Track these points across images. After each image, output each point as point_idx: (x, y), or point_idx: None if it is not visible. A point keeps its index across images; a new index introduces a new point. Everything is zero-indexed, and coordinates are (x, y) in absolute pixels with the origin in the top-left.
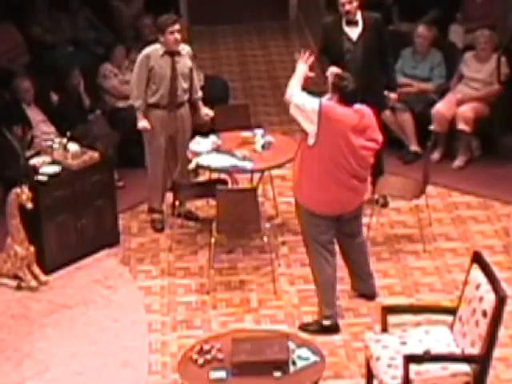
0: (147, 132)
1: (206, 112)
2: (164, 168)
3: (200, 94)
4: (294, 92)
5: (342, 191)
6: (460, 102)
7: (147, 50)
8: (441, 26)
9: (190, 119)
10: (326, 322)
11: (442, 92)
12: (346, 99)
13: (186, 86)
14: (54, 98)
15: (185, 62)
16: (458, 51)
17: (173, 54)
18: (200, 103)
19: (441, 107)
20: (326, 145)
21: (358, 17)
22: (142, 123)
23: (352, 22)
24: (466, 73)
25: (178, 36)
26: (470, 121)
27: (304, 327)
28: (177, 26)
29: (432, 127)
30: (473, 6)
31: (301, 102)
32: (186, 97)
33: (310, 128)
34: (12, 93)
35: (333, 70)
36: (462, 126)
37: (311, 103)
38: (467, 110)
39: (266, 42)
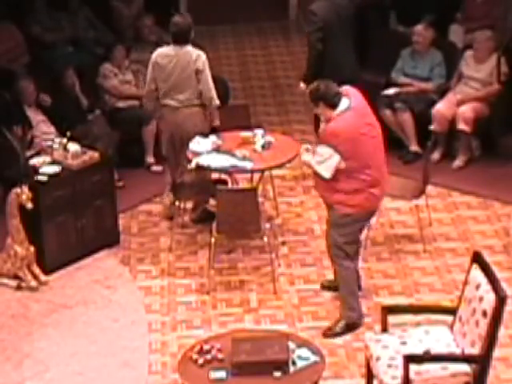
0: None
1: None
2: (170, 161)
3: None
4: (324, 174)
5: (385, 180)
6: (460, 102)
7: (156, 53)
8: (440, 27)
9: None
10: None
11: (442, 92)
12: (332, 102)
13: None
14: (46, 99)
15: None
16: (457, 51)
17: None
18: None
19: (441, 107)
20: (356, 156)
21: None
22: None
23: None
24: (465, 72)
25: None
26: (470, 121)
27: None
28: None
29: (432, 127)
30: (473, 5)
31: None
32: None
33: (336, 162)
34: (13, 93)
35: (301, 87)
36: (462, 125)
37: (334, 159)
38: (467, 110)
39: (266, 42)
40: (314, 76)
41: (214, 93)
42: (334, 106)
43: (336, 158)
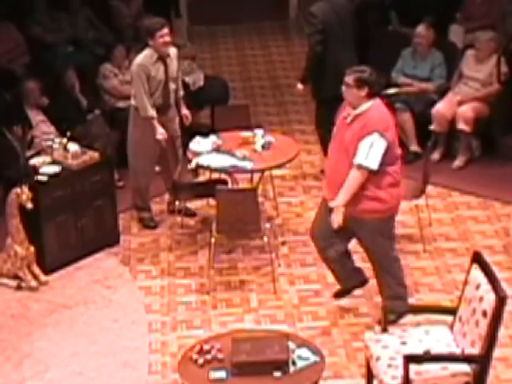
0: (140, 137)
1: (186, 114)
2: (151, 170)
3: (182, 92)
4: (372, 165)
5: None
6: (460, 102)
7: (139, 59)
8: (440, 27)
9: (178, 119)
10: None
11: (442, 92)
12: (376, 91)
13: (174, 87)
14: (44, 101)
15: (174, 64)
16: (457, 51)
17: (164, 58)
18: (182, 102)
19: (441, 107)
20: (394, 146)
21: None
22: (161, 131)
23: None
24: (465, 72)
25: (167, 39)
26: (470, 121)
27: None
28: (166, 30)
29: (432, 127)
30: (473, 5)
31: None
32: (174, 98)
33: (384, 148)
34: (13, 93)
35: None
36: (462, 125)
37: (382, 145)
38: (467, 110)
39: (266, 42)
40: (313, 77)
41: (140, 105)
42: (375, 95)
43: (383, 143)
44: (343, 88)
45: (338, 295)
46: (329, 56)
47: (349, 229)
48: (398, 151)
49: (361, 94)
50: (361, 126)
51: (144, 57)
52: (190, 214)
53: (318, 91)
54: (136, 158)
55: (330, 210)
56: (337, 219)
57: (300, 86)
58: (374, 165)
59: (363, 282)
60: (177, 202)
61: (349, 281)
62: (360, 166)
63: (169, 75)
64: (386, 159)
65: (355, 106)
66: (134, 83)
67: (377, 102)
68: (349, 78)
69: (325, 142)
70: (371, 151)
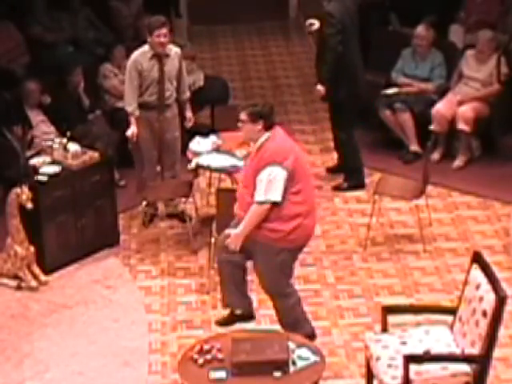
0: (134, 137)
1: (190, 117)
2: (154, 170)
3: (188, 94)
4: (276, 198)
5: (315, 208)
6: (460, 102)
7: (135, 54)
8: (440, 27)
9: (177, 119)
10: None
11: (441, 92)
12: (271, 122)
13: (173, 87)
14: (47, 99)
15: (173, 64)
16: (457, 51)
17: (160, 56)
18: (187, 105)
19: (441, 107)
20: (298, 175)
21: None
22: (132, 129)
23: None
24: (465, 72)
25: (163, 40)
26: (470, 121)
27: None
28: (164, 30)
29: (432, 127)
30: (473, 5)
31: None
32: (173, 98)
33: (285, 179)
34: (13, 93)
35: (319, 89)
36: (462, 125)
37: (281, 176)
38: (467, 110)
39: (266, 42)
40: (331, 79)
41: (124, 97)
42: (271, 126)
43: (282, 174)
44: (239, 125)
45: (221, 322)
46: (346, 57)
47: (247, 249)
48: (308, 181)
49: (257, 128)
50: (258, 159)
51: (139, 53)
52: (182, 219)
53: (336, 93)
54: (137, 150)
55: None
56: (233, 247)
57: (320, 88)
58: (275, 197)
59: (249, 315)
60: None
61: (237, 302)
62: (260, 202)
63: (165, 74)
64: (290, 189)
65: (254, 141)
66: (125, 77)
67: (274, 133)
68: (242, 115)
69: (344, 145)
70: (270, 184)
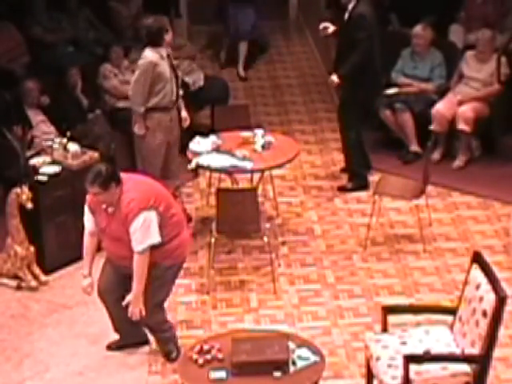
0: (144, 136)
1: (185, 117)
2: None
3: (181, 92)
4: (155, 240)
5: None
6: (460, 102)
7: (152, 56)
8: (440, 27)
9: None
10: None
11: (442, 92)
12: (118, 175)
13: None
14: (46, 100)
15: (174, 64)
16: (457, 51)
17: (169, 55)
18: (182, 105)
19: (441, 107)
20: (164, 205)
21: None
22: (142, 128)
23: None
24: (466, 72)
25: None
26: (470, 121)
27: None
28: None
29: (432, 127)
30: (473, 5)
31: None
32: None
33: (156, 220)
34: (13, 93)
35: (333, 79)
36: (462, 125)
37: (153, 217)
38: (467, 110)
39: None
40: (354, 80)
41: (133, 98)
42: (120, 180)
43: (152, 215)
44: (98, 197)
45: (111, 347)
46: (373, 59)
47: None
48: (170, 200)
49: (113, 191)
50: (124, 213)
51: (155, 55)
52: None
53: (354, 93)
54: (145, 156)
55: (124, 296)
56: (137, 310)
57: (335, 79)
58: (153, 240)
59: (143, 341)
60: None
61: (128, 334)
62: (142, 251)
63: (176, 72)
64: (165, 220)
65: (115, 200)
66: (137, 77)
67: (125, 184)
68: (94, 189)
69: (353, 145)
70: (146, 230)
